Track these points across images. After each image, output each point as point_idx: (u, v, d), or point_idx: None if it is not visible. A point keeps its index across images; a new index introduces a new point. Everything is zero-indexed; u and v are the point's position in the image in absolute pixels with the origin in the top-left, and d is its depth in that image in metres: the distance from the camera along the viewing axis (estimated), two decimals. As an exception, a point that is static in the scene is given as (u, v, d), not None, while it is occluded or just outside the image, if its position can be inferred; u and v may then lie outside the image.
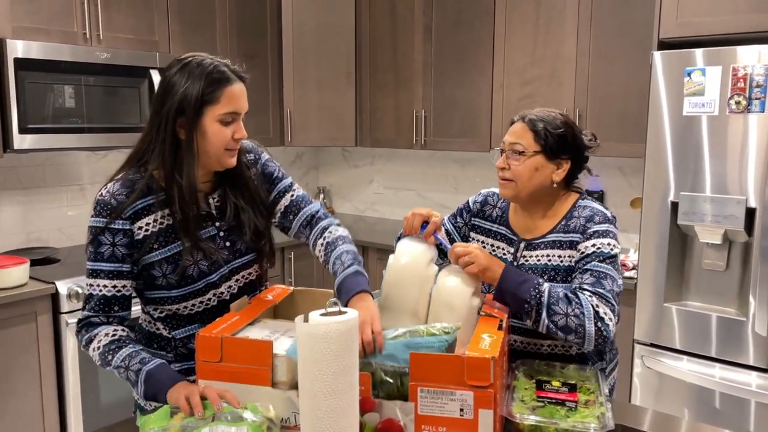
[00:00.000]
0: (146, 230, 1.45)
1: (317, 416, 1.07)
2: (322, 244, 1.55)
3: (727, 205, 2.31)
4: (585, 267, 1.49)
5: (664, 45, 2.53)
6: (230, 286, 1.54)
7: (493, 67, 3.35)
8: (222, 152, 1.45)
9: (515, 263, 1.62)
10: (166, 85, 1.43)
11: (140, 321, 1.60)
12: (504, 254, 1.65)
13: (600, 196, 3.37)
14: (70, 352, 2.67)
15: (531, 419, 1.21)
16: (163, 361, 1.42)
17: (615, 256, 1.50)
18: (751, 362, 2.35)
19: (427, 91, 3.62)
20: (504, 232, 1.68)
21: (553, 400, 1.27)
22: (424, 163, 4.11)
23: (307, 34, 3.86)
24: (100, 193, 1.46)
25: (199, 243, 1.46)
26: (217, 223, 1.52)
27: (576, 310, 1.40)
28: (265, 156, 1.64)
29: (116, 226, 1.43)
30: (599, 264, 1.48)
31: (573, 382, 1.35)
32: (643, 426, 1.41)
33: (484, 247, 1.68)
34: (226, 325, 1.35)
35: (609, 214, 1.58)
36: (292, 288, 1.59)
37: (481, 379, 1.17)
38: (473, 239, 1.73)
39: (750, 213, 2.29)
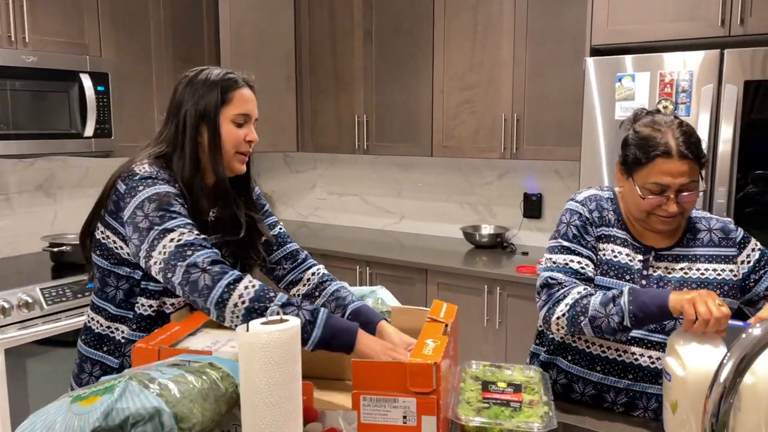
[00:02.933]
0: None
1: (259, 428, 1.04)
2: (314, 273, 1.70)
3: (658, 205, 2.40)
4: None
5: (596, 52, 2.61)
6: None
7: (432, 73, 3.38)
8: (233, 155, 1.53)
9: (646, 272, 1.51)
10: (182, 92, 1.50)
11: (89, 323, 1.57)
12: (630, 261, 1.52)
13: (538, 199, 3.46)
14: (-3, 371, 2.54)
15: (476, 421, 1.21)
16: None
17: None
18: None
19: (368, 96, 3.62)
20: (626, 236, 1.54)
21: (498, 401, 1.28)
22: (367, 168, 4.11)
23: (245, 39, 3.80)
24: (141, 169, 1.44)
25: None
26: (215, 235, 1.57)
27: None
28: (258, 189, 1.75)
29: (177, 191, 1.44)
30: None
31: (518, 382, 1.36)
32: (584, 423, 1.44)
33: (605, 254, 1.54)
34: (166, 335, 1.31)
35: (731, 220, 1.57)
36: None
37: (423, 386, 1.16)
38: (601, 251, 1.55)
39: (679, 213, 2.38)
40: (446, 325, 1.35)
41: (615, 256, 1.53)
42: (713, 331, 1.24)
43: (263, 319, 1.07)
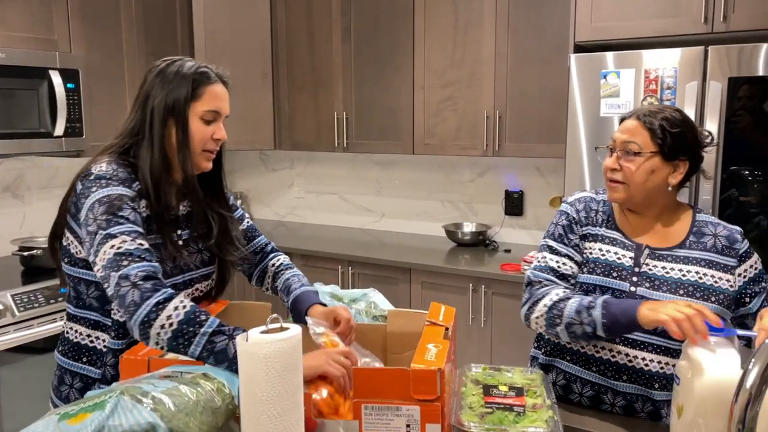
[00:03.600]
0: (141, 212, 1.40)
1: (261, 442, 0.99)
2: (273, 264, 1.67)
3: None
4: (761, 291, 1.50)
5: (579, 48, 2.60)
6: (188, 295, 1.51)
7: (413, 69, 3.34)
8: (199, 152, 1.45)
9: (638, 269, 1.51)
10: (151, 82, 1.44)
11: (67, 333, 1.51)
12: (619, 259, 1.52)
13: (520, 196, 3.45)
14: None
15: (480, 427, 1.18)
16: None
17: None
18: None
19: (348, 93, 3.57)
20: (616, 236, 1.55)
21: (502, 405, 1.25)
22: (346, 166, 4.06)
23: (219, 34, 3.72)
24: (98, 168, 1.38)
25: (171, 243, 1.44)
26: (179, 231, 1.50)
27: None
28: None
29: (133, 194, 1.38)
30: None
31: (519, 385, 1.33)
32: (585, 425, 1.42)
33: (591, 252, 1.55)
34: (153, 346, 1.24)
35: (740, 229, 1.55)
36: (227, 302, 1.49)
37: (427, 393, 1.12)
38: (587, 249, 1.56)
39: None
40: (446, 329, 1.32)
41: (603, 255, 1.54)
42: (704, 331, 1.21)
43: (263, 328, 1.02)
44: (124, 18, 3.29)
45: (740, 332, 1.24)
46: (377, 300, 1.64)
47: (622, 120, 1.53)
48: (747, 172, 2.26)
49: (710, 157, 2.27)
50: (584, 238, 1.57)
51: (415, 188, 3.82)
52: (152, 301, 1.22)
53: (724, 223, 1.55)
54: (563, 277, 1.55)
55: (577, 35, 2.57)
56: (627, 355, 1.50)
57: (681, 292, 1.46)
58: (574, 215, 1.60)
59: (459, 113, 3.24)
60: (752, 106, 2.23)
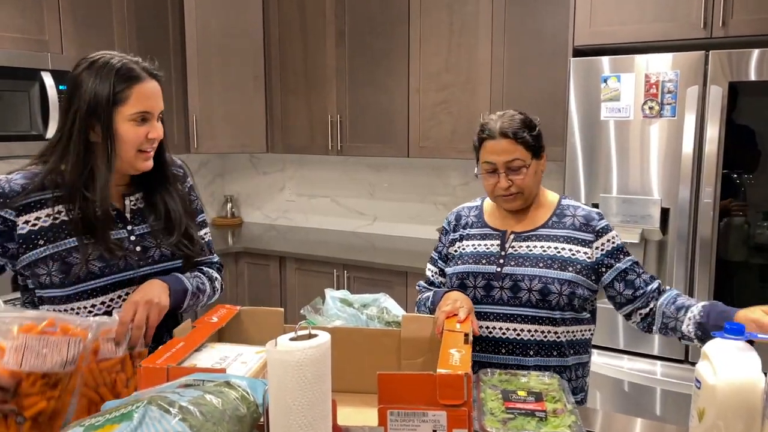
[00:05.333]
0: (33, 224, 1.37)
1: (291, 451, 0.98)
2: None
3: (646, 205, 2.42)
4: (627, 267, 1.63)
5: (578, 52, 2.61)
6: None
7: (408, 72, 3.34)
8: (134, 154, 1.41)
9: (503, 253, 1.66)
10: (73, 84, 1.38)
11: None
12: (489, 248, 1.69)
13: (514, 199, 3.45)
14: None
15: (504, 433, 1.17)
16: None
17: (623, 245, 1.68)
18: (655, 353, 2.51)
19: (342, 96, 3.55)
20: (485, 231, 1.73)
21: (523, 411, 1.24)
22: (338, 169, 4.04)
23: (212, 35, 3.68)
24: None
25: (109, 242, 1.40)
26: (129, 227, 1.47)
27: None
28: (191, 181, 1.63)
29: (0, 213, 1.36)
30: (629, 258, 1.65)
31: (537, 390, 1.33)
32: (594, 428, 1.42)
33: (465, 249, 1.72)
34: (171, 353, 1.22)
35: (599, 211, 1.71)
36: (238, 308, 1.47)
37: (454, 398, 1.12)
38: (461, 247, 1.74)
39: (665, 212, 2.42)
40: (466, 335, 1.31)
41: (475, 248, 1.71)
42: None
43: (291, 335, 1.01)
44: (116, 19, 3.24)
45: (761, 336, 1.25)
46: (389, 305, 1.62)
47: (482, 141, 1.63)
48: (747, 176, 2.29)
49: (711, 162, 2.30)
50: (454, 242, 1.77)
51: (408, 191, 3.82)
52: None
53: (584, 206, 1.71)
54: (433, 284, 1.83)
55: (576, 39, 2.58)
56: (501, 329, 1.64)
57: (541, 264, 1.62)
58: (446, 226, 1.82)
59: (454, 116, 3.24)
60: (753, 110, 2.26)
